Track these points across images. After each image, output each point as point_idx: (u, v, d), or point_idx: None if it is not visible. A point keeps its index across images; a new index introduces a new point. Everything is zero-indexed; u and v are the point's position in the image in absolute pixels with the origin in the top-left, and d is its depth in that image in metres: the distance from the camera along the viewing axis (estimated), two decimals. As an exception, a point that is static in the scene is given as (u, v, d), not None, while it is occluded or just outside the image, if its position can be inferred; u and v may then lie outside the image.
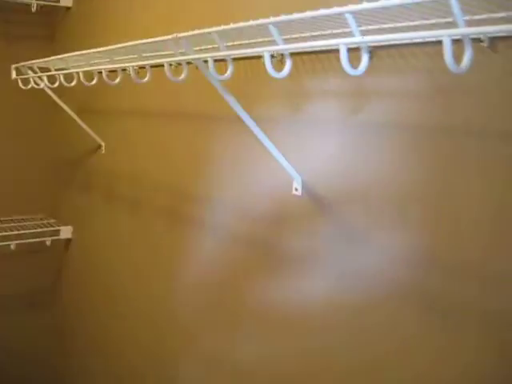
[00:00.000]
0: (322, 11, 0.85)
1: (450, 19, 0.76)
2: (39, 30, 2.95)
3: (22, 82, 2.31)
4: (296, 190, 1.41)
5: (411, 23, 0.95)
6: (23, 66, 2.25)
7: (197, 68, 1.29)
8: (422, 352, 1.15)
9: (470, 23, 0.75)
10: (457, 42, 0.75)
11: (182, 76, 1.33)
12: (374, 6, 0.76)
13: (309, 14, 0.89)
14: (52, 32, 2.97)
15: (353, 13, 0.81)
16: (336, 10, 0.83)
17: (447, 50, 0.71)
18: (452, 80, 0.99)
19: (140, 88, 1.69)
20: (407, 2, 0.74)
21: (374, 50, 1.16)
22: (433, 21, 0.91)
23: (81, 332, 2.95)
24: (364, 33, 0.89)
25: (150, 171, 2.20)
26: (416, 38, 0.83)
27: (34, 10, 2.66)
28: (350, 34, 0.85)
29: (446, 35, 0.71)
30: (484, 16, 0.86)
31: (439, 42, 0.73)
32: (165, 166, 2.10)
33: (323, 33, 1.08)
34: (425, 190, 1.13)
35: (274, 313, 1.55)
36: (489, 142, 1.01)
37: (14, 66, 2.33)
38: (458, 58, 0.75)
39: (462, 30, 0.71)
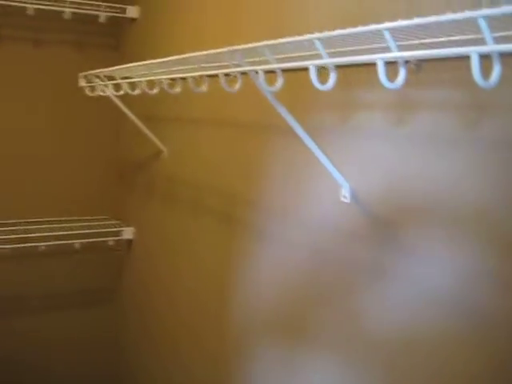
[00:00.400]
0: (363, 28, 0.91)
1: (480, 35, 0.81)
2: (106, 39, 3.08)
3: (89, 89, 2.44)
4: (344, 197, 1.46)
5: (451, 38, 1.00)
6: (90, 74, 2.37)
7: (251, 78, 1.37)
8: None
9: (499, 40, 0.80)
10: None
11: (236, 86, 1.41)
12: (408, 24, 0.82)
13: (352, 30, 0.94)
14: (118, 41, 3.10)
15: (389, 29, 0.87)
16: (375, 26, 0.88)
17: (475, 65, 0.76)
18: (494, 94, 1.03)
19: (199, 98, 1.78)
20: (432, 21, 0.79)
21: (419, 64, 1.21)
22: (470, 36, 0.95)
23: (139, 330, 3.05)
24: (403, 48, 0.94)
25: (208, 177, 2.28)
26: (442, 55, 0.87)
27: (102, 20, 2.79)
28: (387, 49, 0.91)
29: (474, 51, 0.76)
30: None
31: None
32: (221, 172, 2.17)
33: (367, 47, 1.13)
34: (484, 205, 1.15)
35: (351, 329, 1.51)
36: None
37: (81, 74, 2.46)
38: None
39: (489, 47, 0.75)
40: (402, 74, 0.90)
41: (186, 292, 2.51)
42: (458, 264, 1.18)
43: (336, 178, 1.46)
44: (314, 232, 1.62)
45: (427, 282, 1.25)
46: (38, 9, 2.64)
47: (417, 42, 1.03)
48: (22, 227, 2.87)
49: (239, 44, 1.26)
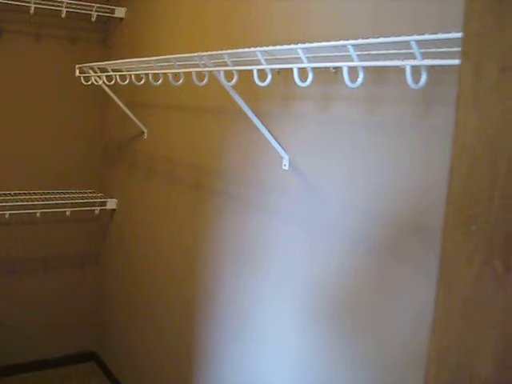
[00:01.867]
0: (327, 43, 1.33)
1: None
2: (97, 35, 3.46)
3: (83, 79, 2.86)
4: (285, 165, 1.94)
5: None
6: (85, 66, 2.79)
7: (215, 75, 1.82)
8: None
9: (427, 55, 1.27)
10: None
11: (204, 81, 1.87)
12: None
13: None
14: (107, 37, 3.47)
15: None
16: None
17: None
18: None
19: (176, 88, 2.22)
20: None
21: (336, 69, 1.69)
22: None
23: (119, 290, 3.47)
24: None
25: (181, 153, 2.68)
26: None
27: (93, 19, 3.18)
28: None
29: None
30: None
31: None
32: (192, 149, 2.59)
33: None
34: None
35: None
36: None
37: (77, 65, 2.88)
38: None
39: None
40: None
41: (162, 255, 2.90)
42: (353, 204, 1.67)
43: (279, 152, 1.93)
44: (263, 191, 2.09)
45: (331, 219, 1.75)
46: (38, 7, 3.04)
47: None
48: (20, 197, 3.28)
49: (205, 46, 1.72)
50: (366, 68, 1.29)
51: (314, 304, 1.83)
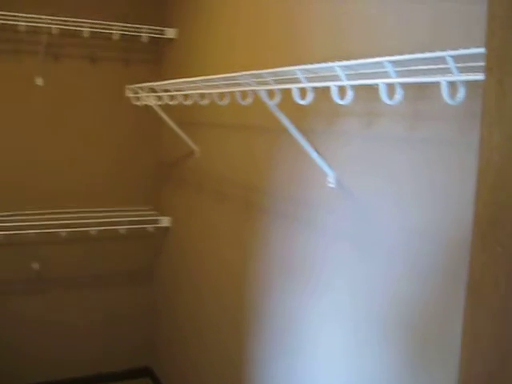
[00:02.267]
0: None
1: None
2: (148, 56, 3.54)
3: (134, 99, 2.93)
4: (330, 182, 1.93)
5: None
6: (136, 86, 2.86)
7: (258, 94, 1.84)
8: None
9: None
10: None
11: (249, 100, 1.89)
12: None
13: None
14: (158, 58, 3.55)
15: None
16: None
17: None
18: None
19: (224, 107, 2.24)
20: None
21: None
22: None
23: (173, 307, 3.50)
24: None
25: (230, 171, 2.71)
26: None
27: (144, 40, 3.26)
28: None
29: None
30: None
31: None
32: (239, 167, 2.61)
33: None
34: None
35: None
36: None
37: (128, 86, 2.96)
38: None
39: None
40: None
41: (211, 273, 2.92)
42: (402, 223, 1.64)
43: (324, 169, 1.92)
44: (309, 209, 2.08)
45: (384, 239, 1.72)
46: (92, 31, 3.15)
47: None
48: (76, 214, 3.36)
49: (256, 64, 1.74)
50: (404, 84, 1.27)
51: (365, 324, 1.80)
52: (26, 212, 3.32)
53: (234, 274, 2.70)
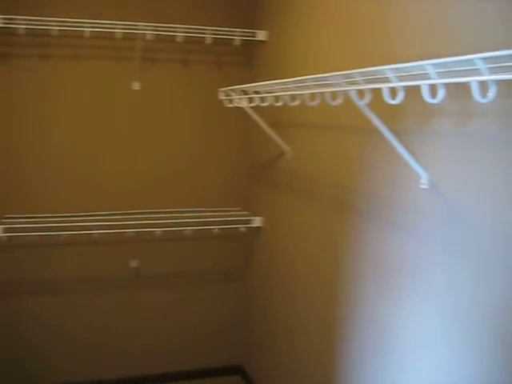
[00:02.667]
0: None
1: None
2: (240, 59, 3.59)
3: (226, 101, 2.98)
4: (423, 184, 1.89)
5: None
6: (228, 89, 2.91)
7: (348, 95, 1.83)
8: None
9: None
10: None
11: (339, 101, 1.89)
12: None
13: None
14: (250, 60, 3.59)
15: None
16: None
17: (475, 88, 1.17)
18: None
19: (316, 108, 2.25)
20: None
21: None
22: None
23: (264, 306, 3.52)
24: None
25: (321, 172, 2.70)
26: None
27: (236, 43, 3.31)
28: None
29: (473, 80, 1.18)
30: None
31: None
32: (331, 168, 2.60)
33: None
34: None
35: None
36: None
37: (221, 89, 3.00)
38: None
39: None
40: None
41: (303, 273, 2.92)
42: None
43: (417, 170, 1.89)
44: (402, 211, 2.05)
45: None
46: (186, 36, 3.23)
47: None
48: (170, 214, 3.47)
49: (346, 64, 1.73)
50: (497, 81, 1.23)
51: (465, 329, 1.76)
52: (125, 211, 3.45)
53: (325, 275, 2.69)
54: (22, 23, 2.99)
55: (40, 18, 3.00)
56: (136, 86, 3.42)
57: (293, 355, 3.08)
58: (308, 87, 2.02)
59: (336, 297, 2.56)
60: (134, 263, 3.62)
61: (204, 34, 3.24)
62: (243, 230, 3.50)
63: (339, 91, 1.84)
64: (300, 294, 2.99)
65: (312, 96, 2.09)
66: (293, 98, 2.25)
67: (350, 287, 2.43)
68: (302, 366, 2.97)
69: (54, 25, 3.02)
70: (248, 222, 3.52)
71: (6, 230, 3.11)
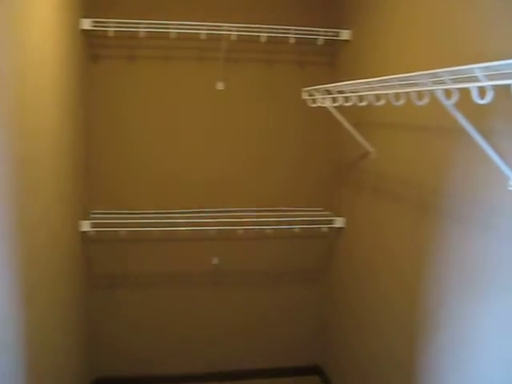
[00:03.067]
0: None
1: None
2: (323, 58, 3.58)
3: (310, 101, 2.97)
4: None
5: None
6: (312, 89, 2.90)
7: (434, 94, 1.80)
8: None
9: None
10: None
11: (425, 100, 1.85)
12: None
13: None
14: (333, 60, 3.58)
15: None
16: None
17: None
18: None
19: (400, 108, 2.21)
20: None
21: None
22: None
23: (345, 307, 3.49)
24: None
25: (405, 173, 2.65)
26: None
27: (320, 43, 3.31)
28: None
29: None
30: None
31: None
32: (415, 169, 2.54)
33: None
34: None
35: None
36: None
37: (304, 89, 3.01)
38: None
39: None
40: None
41: (389, 274, 2.87)
42: None
43: (505, 171, 1.83)
44: (489, 213, 1.99)
45: None
46: (270, 36, 3.25)
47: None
48: (251, 213, 3.50)
49: (431, 64, 1.70)
50: None
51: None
52: (207, 209, 3.51)
53: (405, 278, 2.65)
54: (111, 25, 3.09)
55: (127, 21, 3.10)
56: (220, 85, 3.47)
57: (369, 360, 3.05)
58: (393, 87, 2.00)
59: (416, 299, 2.52)
60: (215, 260, 3.67)
61: (288, 33, 3.25)
62: (325, 230, 3.49)
63: (425, 91, 1.81)
64: (377, 297, 2.96)
65: (397, 96, 2.06)
66: (377, 97, 2.23)
67: (433, 289, 2.38)
68: (379, 370, 2.93)
69: (141, 27, 3.11)
70: (330, 222, 3.51)
71: (93, 225, 3.23)
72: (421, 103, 1.86)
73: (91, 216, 3.33)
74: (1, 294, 1.68)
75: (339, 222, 3.51)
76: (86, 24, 3.10)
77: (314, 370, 3.97)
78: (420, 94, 1.89)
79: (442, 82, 1.70)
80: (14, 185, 1.83)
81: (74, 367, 3.11)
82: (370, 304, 3.07)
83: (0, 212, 1.63)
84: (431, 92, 1.79)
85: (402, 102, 2.03)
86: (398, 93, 1.98)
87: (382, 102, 2.19)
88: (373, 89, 2.21)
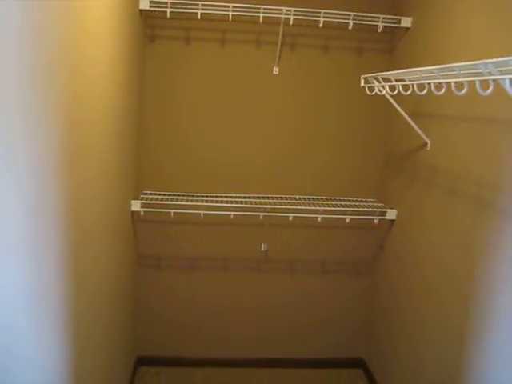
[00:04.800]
0: None
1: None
2: (382, 45, 3.49)
3: (368, 89, 2.90)
4: None
5: None
6: (370, 76, 2.83)
7: (500, 84, 1.72)
8: None
9: None
10: None
11: (489, 91, 1.77)
12: None
13: None
14: (391, 48, 3.49)
15: None
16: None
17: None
18: None
19: (461, 98, 2.14)
20: None
21: None
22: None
23: (392, 301, 3.41)
24: None
25: (464, 167, 2.55)
26: None
27: (379, 30, 3.22)
28: None
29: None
30: None
31: None
32: (475, 163, 2.44)
33: None
34: None
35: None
36: None
37: (362, 76, 2.94)
38: None
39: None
40: None
41: (438, 271, 2.78)
42: None
43: None
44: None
45: None
46: (327, 21, 3.18)
47: None
48: (302, 201, 3.47)
49: (497, 53, 1.63)
50: None
51: None
52: (258, 195, 3.49)
53: (457, 277, 2.56)
54: (168, 6, 3.08)
55: (185, 1, 3.07)
56: (276, 70, 3.43)
57: (413, 356, 2.98)
58: (456, 75, 1.92)
59: (469, 299, 2.44)
60: (264, 246, 3.65)
61: (347, 19, 3.17)
62: (376, 221, 3.42)
63: (490, 80, 1.73)
64: (424, 294, 2.88)
65: (459, 85, 1.98)
66: (438, 86, 2.15)
67: (487, 290, 2.30)
68: (423, 368, 2.86)
69: (198, 8, 3.08)
70: (382, 213, 3.44)
71: (143, 205, 3.23)
72: (485, 94, 1.78)
73: (142, 196, 3.34)
74: (57, 275, 1.69)
75: (391, 215, 3.43)
76: (144, 4, 3.09)
77: (357, 363, 3.93)
78: (484, 84, 1.81)
79: (509, 72, 1.62)
80: (72, 167, 1.83)
81: (122, 345, 3.14)
82: (416, 301, 3.00)
83: (54, 189, 1.63)
84: (497, 82, 1.71)
85: (464, 91, 1.95)
86: (461, 82, 1.91)
87: (442, 92, 2.11)
88: (434, 77, 2.13)
